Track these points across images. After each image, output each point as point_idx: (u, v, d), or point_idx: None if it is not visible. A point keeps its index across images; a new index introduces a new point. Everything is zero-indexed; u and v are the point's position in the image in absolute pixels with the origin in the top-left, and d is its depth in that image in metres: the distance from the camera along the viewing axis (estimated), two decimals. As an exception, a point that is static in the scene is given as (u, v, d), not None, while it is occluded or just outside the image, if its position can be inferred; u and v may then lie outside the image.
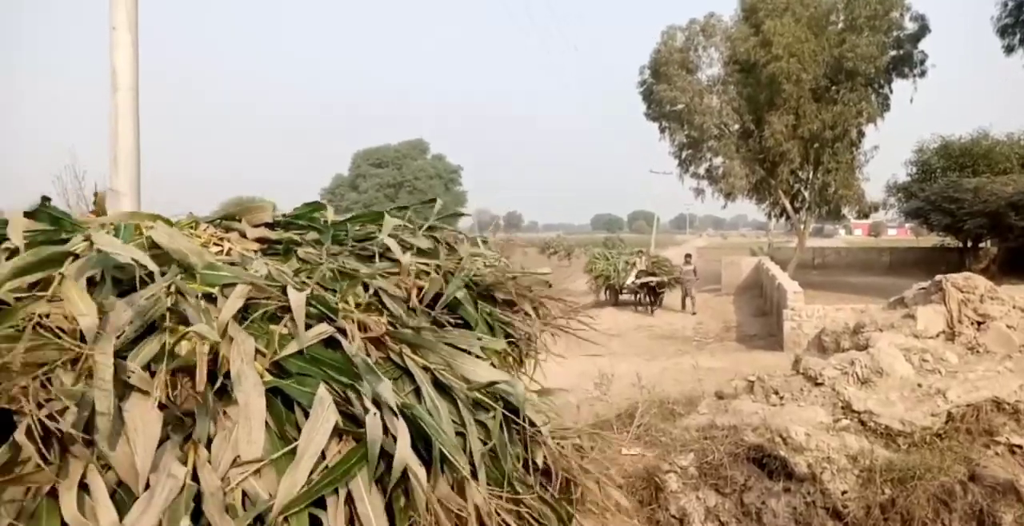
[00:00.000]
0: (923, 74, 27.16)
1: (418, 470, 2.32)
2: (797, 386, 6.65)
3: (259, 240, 3.42)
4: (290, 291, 2.67)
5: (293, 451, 2.20)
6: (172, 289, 2.47)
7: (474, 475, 2.58)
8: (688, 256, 24.42)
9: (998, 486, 5.43)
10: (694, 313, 22.37)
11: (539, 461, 3.01)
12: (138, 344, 2.24)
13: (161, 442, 2.10)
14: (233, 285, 2.64)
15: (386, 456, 2.29)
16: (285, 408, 2.36)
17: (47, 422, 1.90)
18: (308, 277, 3.00)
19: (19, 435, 1.87)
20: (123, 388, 2.12)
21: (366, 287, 3.11)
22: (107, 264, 2.51)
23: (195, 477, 2.06)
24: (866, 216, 33.69)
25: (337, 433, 2.32)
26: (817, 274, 31.23)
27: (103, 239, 2.58)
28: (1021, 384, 6.31)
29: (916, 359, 6.79)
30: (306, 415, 2.29)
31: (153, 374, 2.19)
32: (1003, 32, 25.95)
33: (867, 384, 6.49)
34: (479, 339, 3.26)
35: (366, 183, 66.29)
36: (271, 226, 3.62)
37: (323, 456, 2.25)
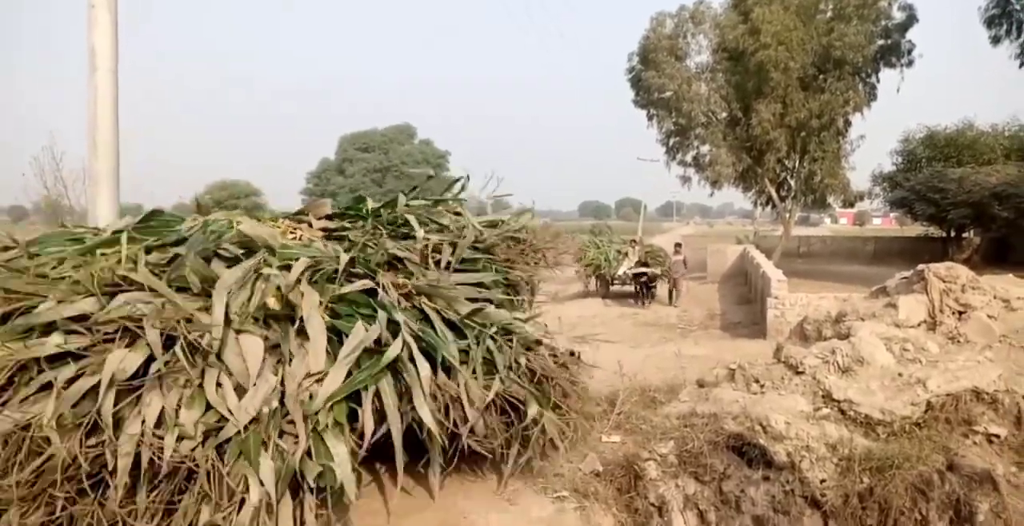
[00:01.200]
0: (910, 64, 27.10)
1: (422, 366, 3.82)
2: (778, 374, 6.67)
3: (322, 228, 5.06)
4: (341, 256, 4.23)
5: None
6: (261, 262, 4.01)
7: (474, 374, 4.05)
8: (678, 245, 23.01)
9: (975, 476, 5.47)
10: (676, 306, 21.43)
11: (521, 362, 4.32)
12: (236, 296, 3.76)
13: (263, 361, 3.49)
14: (298, 258, 4.14)
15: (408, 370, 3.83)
16: (339, 340, 3.76)
17: (193, 342, 3.37)
18: (352, 251, 4.42)
19: (176, 348, 3.33)
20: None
21: (397, 257, 4.55)
22: (215, 246, 4.16)
23: (283, 383, 3.46)
24: (851, 205, 33.74)
25: (370, 352, 3.74)
26: (802, 262, 31.32)
27: (249, 227, 4.39)
28: (1000, 374, 6.35)
29: (897, 348, 6.81)
30: None
31: (256, 319, 3.71)
32: (990, 23, 25.90)
33: (848, 373, 6.51)
34: (482, 283, 4.75)
35: (352, 167, 65.59)
36: (329, 217, 5.27)
37: (359, 366, 3.70)
